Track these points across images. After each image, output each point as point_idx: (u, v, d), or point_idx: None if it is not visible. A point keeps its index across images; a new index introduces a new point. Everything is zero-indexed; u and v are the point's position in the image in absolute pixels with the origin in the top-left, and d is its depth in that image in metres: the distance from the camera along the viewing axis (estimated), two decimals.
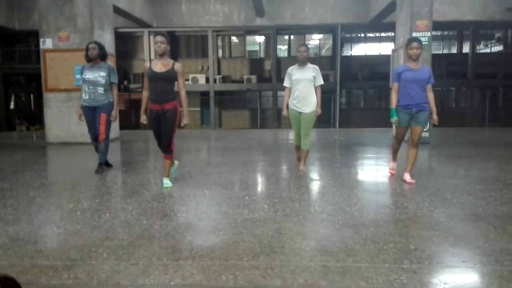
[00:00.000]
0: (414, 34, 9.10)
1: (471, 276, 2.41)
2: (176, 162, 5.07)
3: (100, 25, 9.91)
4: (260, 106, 24.62)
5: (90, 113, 5.48)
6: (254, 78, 23.48)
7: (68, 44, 9.37)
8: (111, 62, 10.19)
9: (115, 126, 10.47)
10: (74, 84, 9.19)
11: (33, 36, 19.94)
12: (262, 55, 25.24)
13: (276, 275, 2.39)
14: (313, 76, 5.40)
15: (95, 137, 5.54)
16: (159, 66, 4.44)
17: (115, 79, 5.54)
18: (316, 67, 5.51)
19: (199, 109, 25.19)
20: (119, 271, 2.47)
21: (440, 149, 8.07)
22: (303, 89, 5.38)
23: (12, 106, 25.66)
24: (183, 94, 4.61)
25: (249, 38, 25.31)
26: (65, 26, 9.44)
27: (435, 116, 4.82)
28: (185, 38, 24.62)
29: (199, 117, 25.18)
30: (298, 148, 5.78)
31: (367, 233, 3.10)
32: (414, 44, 4.68)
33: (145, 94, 4.61)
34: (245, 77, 23.74)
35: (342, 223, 3.35)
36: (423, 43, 9.18)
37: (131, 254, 2.74)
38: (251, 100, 25.33)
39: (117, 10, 11.16)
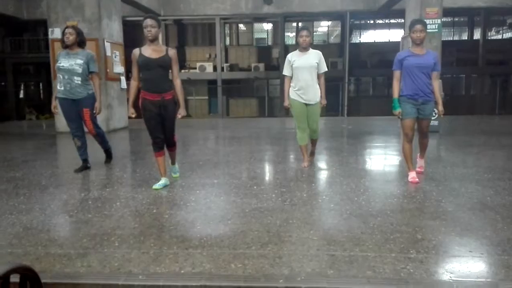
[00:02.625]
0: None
1: (477, 266, 2.42)
2: (177, 170, 4.70)
3: (108, 14, 9.93)
4: (268, 95, 24.56)
5: (68, 106, 4.96)
6: (261, 66, 23.40)
7: None
8: (119, 51, 10.32)
9: (123, 115, 10.56)
10: None
11: (41, 25, 20.06)
12: (269, 43, 25.12)
13: (284, 264, 2.43)
14: (317, 63, 4.90)
15: (76, 134, 5.08)
16: (151, 52, 4.01)
17: (94, 67, 4.99)
18: (319, 52, 5.01)
19: (206, 97, 25.22)
20: (131, 259, 2.53)
21: (449, 138, 8.03)
22: (306, 77, 4.88)
23: (21, 95, 25.92)
24: (178, 83, 4.17)
25: (256, 25, 25.16)
26: (73, 15, 9.46)
27: (440, 108, 4.47)
28: (193, 26, 24.55)
29: (206, 106, 25.22)
30: (304, 148, 5.19)
31: (374, 222, 3.13)
32: (418, 26, 4.21)
33: (134, 84, 4.15)
34: (252, 65, 23.67)
35: (349, 213, 3.38)
36: (433, 30, 9.14)
37: (142, 242, 2.80)
38: (259, 88, 25.29)
39: None
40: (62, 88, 4.90)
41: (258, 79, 24.07)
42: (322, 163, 5.68)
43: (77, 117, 5.03)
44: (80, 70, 4.86)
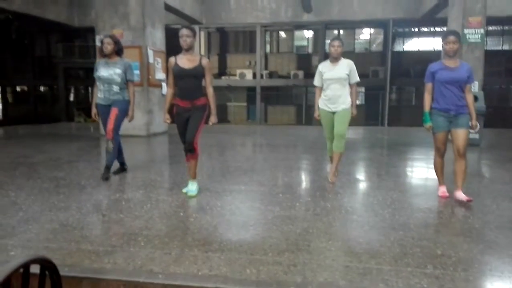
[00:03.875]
0: (466, 31, 8.77)
1: (495, 285, 2.38)
2: (194, 188, 4.38)
3: (152, 22, 10.36)
4: (306, 102, 24.53)
5: (106, 112, 5.14)
6: (301, 73, 23.43)
7: (122, 41, 9.83)
8: (161, 59, 10.71)
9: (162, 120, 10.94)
10: None
11: (91, 32, 21.12)
12: (310, 51, 25.10)
13: (298, 272, 2.49)
14: (347, 74, 4.80)
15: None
16: (185, 61, 4.13)
17: (131, 76, 5.15)
18: (351, 62, 4.90)
19: (245, 104, 25.51)
20: (153, 259, 2.68)
21: (490, 152, 7.75)
22: (336, 89, 4.82)
23: (71, 98, 27.33)
24: (210, 91, 4.26)
25: (297, 33, 25.23)
26: (119, 24, 9.96)
27: (474, 122, 4.22)
28: (234, 34, 24.98)
29: (245, 112, 25.50)
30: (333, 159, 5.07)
31: (395, 236, 3.12)
32: (451, 37, 4.07)
33: (170, 92, 4.29)
34: (292, 72, 23.74)
35: (371, 225, 3.39)
36: (476, 40, 8.87)
37: (166, 244, 2.95)
38: (297, 96, 25.30)
39: (168, 8, 11.59)
40: (102, 96, 5.09)
41: (296, 86, 24.10)
42: (351, 174, 5.66)
43: None
44: (119, 80, 5.03)
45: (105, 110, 5.14)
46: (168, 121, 4.38)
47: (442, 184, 4.40)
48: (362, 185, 5.06)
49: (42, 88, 28.55)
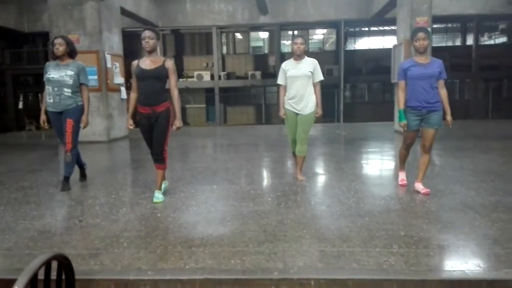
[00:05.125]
0: None
1: (452, 258, 2.69)
2: (165, 181, 4.53)
3: (108, 27, 10.24)
4: (265, 102, 24.86)
5: (57, 119, 4.78)
6: (258, 74, 23.69)
7: (78, 46, 9.55)
8: (119, 63, 10.60)
9: (123, 125, 10.82)
10: None
11: (40, 37, 20.39)
12: (266, 51, 25.46)
13: (279, 259, 2.69)
14: (311, 72, 4.75)
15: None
16: (148, 63, 4.01)
17: (85, 79, 4.79)
18: (314, 60, 4.84)
19: (204, 105, 25.49)
20: (140, 258, 2.79)
21: (440, 142, 8.29)
22: (300, 87, 4.75)
23: (20, 105, 26.17)
24: (175, 94, 4.09)
25: (253, 34, 25.50)
26: (74, 29, 9.76)
27: (449, 117, 4.22)
28: (190, 36, 24.88)
29: (204, 114, 25.48)
30: (295, 154, 5.10)
31: (362, 222, 3.40)
32: (420, 34, 4.06)
33: (133, 96, 4.16)
34: (249, 73, 23.96)
35: (339, 214, 3.65)
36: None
37: (148, 243, 3.06)
38: (256, 96, 25.59)
39: (124, 12, 11.48)
40: (51, 101, 4.72)
41: (255, 86, 24.36)
42: (315, 168, 5.94)
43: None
44: (71, 82, 4.68)
45: (56, 117, 4.78)
46: (131, 126, 4.31)
47: (403, 170, 4.71)
48: (326, 178, 5.35)
49: None
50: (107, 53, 10.12)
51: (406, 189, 4.49)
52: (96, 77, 9.80)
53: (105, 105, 10.06)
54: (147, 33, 4.00)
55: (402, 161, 4.68)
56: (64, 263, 1.48)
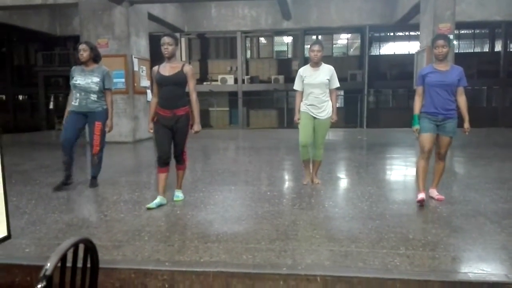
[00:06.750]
0: None
1: (457, 261, 2.77)
2: (181, 195, 4.47)
3: (136, 31, 10.62)
4: (287, 106, 25.00)
5: (75, 118, 4.88)
6: (281, 78, 23.89)
7: (107, 50, 10.08)
8: (145, 66, 10.96)
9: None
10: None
11: (71, 40, 21.15)
12: (289, 55, 25.62)
13: (288, 256, 2.84)
14: (328, 79, 4.80)
15: (65, 146, 4.88)
16: (167, 69, 4.08)
17: (109, 84, 4.94)
18: (331, 67, 4.88)
19: (227, 109, 25.83)
20: (159, 250, 2.99)
21: (461, 150, 8.27)
22: (317, 95, 4.80)
23: (51, 106, 27.14)
24: (194, 98, 4.18)
25: (277, 39, 25.73)
26: (104, 33, 10.19)
27: (466, 125, 4.19)
28: (215, 40, 25.31)
29: (227, 117, 25.81)
30: (306, 163, 5.10)
31: (372, 224, 3.50)
32: (440, 42, 4.02)
33: (154, 101, 4.21)
34: (272, 77, 24.18)
35: (351, 216, 3.76)
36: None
37: (168, 237, 3.26)
38: (278, 100, 25.77)
39: (151, 17, 11.84)
40: (77, 104, 4.85)
41: (277, 91, 24.55)
42: (332, 172, 6.05)
43: (75, 130, 4.91)
44: (96, 88, 4.84)
45: (76, 117, 4.88)
46: (152, 130, 4.30)
47: (422, 191, 4.15)
48: (343, 182, 5.45)
49: (21, 97, 28.26)
50: (135, 57, 10.50)
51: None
52: (123, 80, 10.19)
53: (131, 107, 10.42)
54: (166, 39, 4.05)
55: (422, 177, 4.20)
56: (90, 247, 1.68)
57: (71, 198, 4.63)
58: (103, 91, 4.92)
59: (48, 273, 1.37)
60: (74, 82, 4.83)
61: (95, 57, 4.93)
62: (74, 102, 4.87)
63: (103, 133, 4.93)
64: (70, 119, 4.90)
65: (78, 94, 4.84)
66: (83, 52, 4.81)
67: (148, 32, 11.48)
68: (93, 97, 4.85)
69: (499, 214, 3.78)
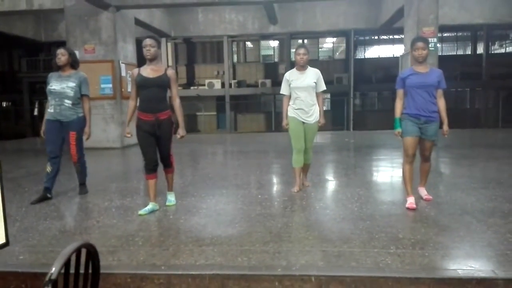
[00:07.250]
0: None
1: (446, 259, 2.86)
2: (173, 199, 4.49)
3: (123, 37, 10.59)
4: (275, 110, 25.11)
5: (52, 127, 4.73)
6: (268, 82, 24.00)
7: (93, 55, 10.06)
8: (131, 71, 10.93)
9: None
10: (98, 93, 9.86)
11: (57, 46, 20.99)
12: (276, 59, 25.78)
13: (283, 258, 2.89)
14: (315, 82, 4.78)
15: (51, 157, 4.79)
16: (149, 71, 4.01)
17: (86, 90, 4.81)
18: (317, 71, 4.87)
19: (215, 113, 25.83)
20: (154, 255, 3.01)
21: (446, 151, 8.43)
22: (304, 98, 4.76)
23: (36, 112, 26.81)
24: (177, 103, 4.14)
25: (263, 43, 25.87)
26: (90, 39, 10.14)
27: (445, 127, 4.21)
28: (201, 45, 25.33)
29: (215, 121, 25.81)
30: (298, 170, 4.96)
31: (363, 225, 3.58)
32: (419, 44, 4.07)
33: (131, 104, 4.16)
34: (259, 81, 24.28)
35: (342, 217, 3.84)
36: (430, 49, 9.61)
37: (162, 242, 3.28)
38: (266, 104, 25.87)
39: (137, 22, 11.82)
40: (52, 111, 4.71)
41: (265, 94, 24.66)
42: (322, 175, 6.13)
43: (58, 140, 4.79)
44: (71, 93, 4.68)
45: (52, 126, 4.74)
46: (129, 135, 4.24)
47: (411, 195, 4.19)
48: (332, 184, 5.54)
49: (5, 104, 27.85)
50: (122, 62, 10.47)
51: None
52: (111, 85, 10.16)
53: (119, 112, 10.38)
54: (148, 41, 3.99)
55: (408, 181, 4.22)
56: (92, 251, 1.70)
57: (62, 205, 4.62)
58: (79, 97, 4.79)
59: (53, 277, 1.40)
60: (50, 87, 4.71)
61: (73, 63, 4.82)
62: (50, 109, 4.75)
63: (79, 142, 4.84)
64: (49, 130, 4.77)
65: (53, 101, 4.71)
66: (61, 56, 4.69)
67: (135, 37, 11.46)
68: (67, 103, 4.69)
69: (485, 212, 3.90)
